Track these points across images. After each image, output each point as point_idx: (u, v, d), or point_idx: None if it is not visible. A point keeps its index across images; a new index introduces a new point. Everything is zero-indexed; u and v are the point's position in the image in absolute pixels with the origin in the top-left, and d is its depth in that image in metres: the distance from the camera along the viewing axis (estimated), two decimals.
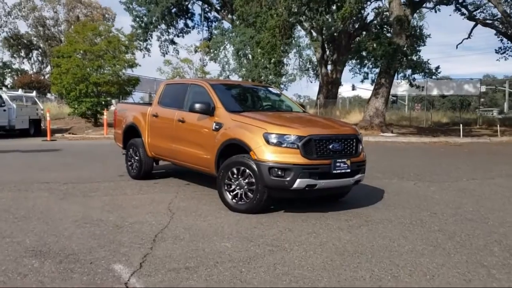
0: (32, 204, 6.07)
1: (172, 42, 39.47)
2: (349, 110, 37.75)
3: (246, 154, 5.75)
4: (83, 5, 53.06)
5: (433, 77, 22.32)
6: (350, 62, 35.92)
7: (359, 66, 35.31)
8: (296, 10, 18.30)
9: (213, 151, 6.20)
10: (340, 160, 5.64)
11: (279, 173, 5.41)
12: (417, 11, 21.69)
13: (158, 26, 36.94)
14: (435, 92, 33.95)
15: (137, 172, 8.15)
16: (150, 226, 5.08)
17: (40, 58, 57.37)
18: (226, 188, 5.90)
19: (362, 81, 31.80)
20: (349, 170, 5.74)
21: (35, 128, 21.26)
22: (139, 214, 5.65)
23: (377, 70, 24.74)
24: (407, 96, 44.10)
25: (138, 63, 24.85)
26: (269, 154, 5.47)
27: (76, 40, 23.89)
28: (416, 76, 22.01)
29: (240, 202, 5.78)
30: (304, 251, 4.34)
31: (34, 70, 54.95)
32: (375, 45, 19.71)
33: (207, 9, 39.54)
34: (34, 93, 24.12)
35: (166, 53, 39.00)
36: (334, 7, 20.53)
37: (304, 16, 21.14)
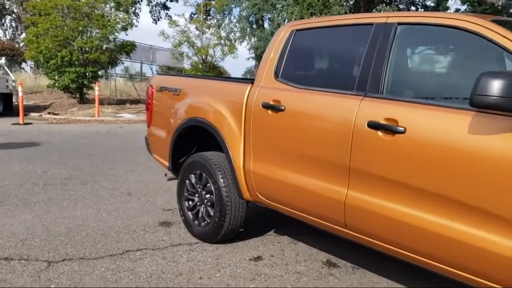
0: None
1: (164, 6, 36.70)
2: None
3: None
4: None
5: None
6: None
7: None
8: None
9: None
10: None
11: None
12: None
13: None
14: None
15: (212, 229, 3.62)
16: None
17: (14, 24, 51.34)
18: None
19: None
20: None
21: (5, 105, 16.36)
22: None
23: None
24: None
25: (135, 23, 19.98)
26: None
27: None
28: None
29: None
30: None
31: (8, 38, 48.99)
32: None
33: None
34: (3, 60, 18.99)
35: (158, 19, 36.40)
36: None
37: None
